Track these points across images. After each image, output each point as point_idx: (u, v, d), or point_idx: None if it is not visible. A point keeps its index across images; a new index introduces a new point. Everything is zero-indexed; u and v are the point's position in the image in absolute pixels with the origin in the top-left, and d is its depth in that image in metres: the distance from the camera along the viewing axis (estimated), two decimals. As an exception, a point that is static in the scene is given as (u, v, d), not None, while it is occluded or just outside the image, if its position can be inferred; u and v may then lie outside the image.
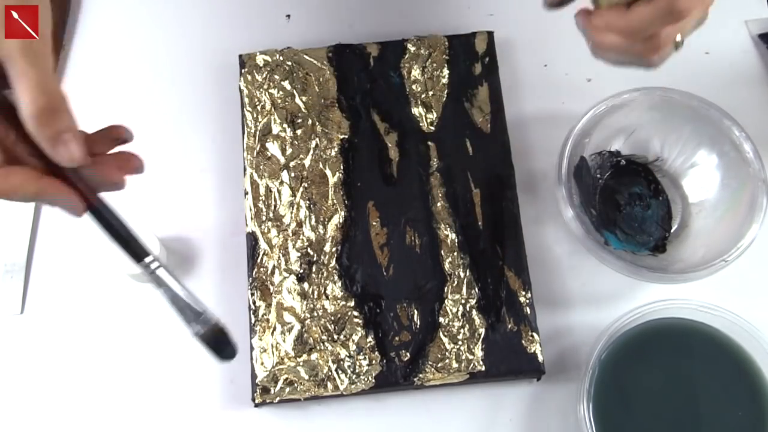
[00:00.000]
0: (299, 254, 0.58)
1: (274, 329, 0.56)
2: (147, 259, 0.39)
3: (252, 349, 0.55)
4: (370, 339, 0.56)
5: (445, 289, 0.57)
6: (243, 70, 0.64)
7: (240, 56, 0.64)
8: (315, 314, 0.56)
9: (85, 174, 0.37)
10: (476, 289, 0.57)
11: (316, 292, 0.57)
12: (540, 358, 0.55)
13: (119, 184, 0.39)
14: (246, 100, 0.63)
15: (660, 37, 0.44)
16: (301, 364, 0.55)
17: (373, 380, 0.55)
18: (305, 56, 0.64)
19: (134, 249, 0.39)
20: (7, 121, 0.35)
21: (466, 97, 0.63)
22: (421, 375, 0.55)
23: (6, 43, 0.33)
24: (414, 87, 0.64)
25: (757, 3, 0.70)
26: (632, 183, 0.62)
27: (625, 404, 0.52)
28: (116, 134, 0.39)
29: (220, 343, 0.40)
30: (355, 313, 0.56)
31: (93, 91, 0.65)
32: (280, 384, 0.54)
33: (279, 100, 0.63)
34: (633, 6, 0.44)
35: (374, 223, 0.59)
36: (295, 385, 0.54)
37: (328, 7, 0.69)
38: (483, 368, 0.55)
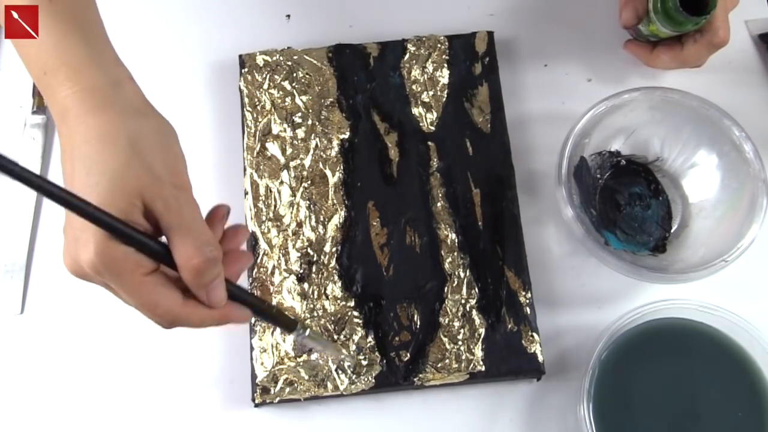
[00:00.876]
0: (299, 254, 0.58)
1: (274, 329, 0.56)
2: (298, 328, 0.46)
3: (252, 349, 0.55)
4: (370, 339, 0.56)
5: (445, 289, 0.57)
6: (243, 70, 0.64)
7: (240, 56, 0.64)
8: (315, 314, 0.56)
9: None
10: (476, 289, 0.57)
11: (316, 292, 0.57)
12: (540, 358, 0.55)
13: (249, 264, 0.43)
14: (246, 100, 0.63)
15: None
16: (301, 364, 0.55)
17: (373, 380, 0.55)
18: (305, 56, 0.64)
19: (284, 323, 0.45)
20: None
21: (466, 97, 0.63)
22: (421, 375, 0.55)
23: (152, 202, 0.37)
24: (414, 87, 0.64)
25: (757, 3, 0.70)
26: (632, 183, 0.62)
27: (625, 404, 0.52)
28: (221, 215, 0.42)
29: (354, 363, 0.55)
30: (355, 313, 0.56)
31: (93, 91, 0.65)
32: (280, 384, 0.54)
33: (279, 100, 0.63)
34: (684, 46, 0.60)
35: (374, 223, 0.59)
36: (295, 385, 0.54)
37: (328, 7, 0.69)
38: (483, 368, 0.55)
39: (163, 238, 0.38)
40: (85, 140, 0.37)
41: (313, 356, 0.55)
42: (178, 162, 0.39)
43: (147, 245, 0.36)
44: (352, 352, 0.55)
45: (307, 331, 0.46)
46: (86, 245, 0.35)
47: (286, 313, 0.44)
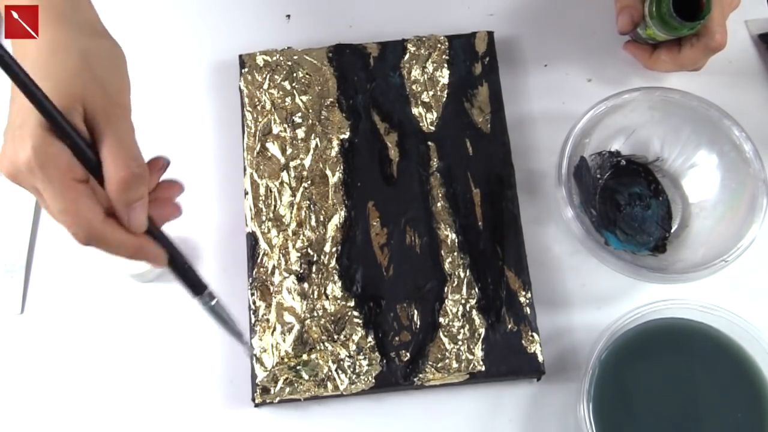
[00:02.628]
0: (299, 254, 0.58)
1: (274, 329, 0.56)
2: (205, 294, 0.44)
3: (252, 349, 0.55)
4: (370, 339, 0.56)
5: (445, 289, 0.57)
6: (243, 70, 0.64)
7: (240, 56, 0.64)
8: (315, 314, 0.56)
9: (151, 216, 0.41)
10: (476, 289, 0.57)
11: (316, 292, 0.57)
12: (540, 358, 0.55)
13: (176, 216, 0.43)
14: (246, 100, 0.63)
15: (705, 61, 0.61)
16: (301, 364, 0.55)
17: (373, 380, 0.55)
18: (305, 56, 0.64)
19: (193, 281, 0.44)
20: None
21: (466, 97, 0.63)
22: (421, 375, 0.55)
23: (93, 111, 0.37)
24: (414, 87, 0.64)
25: (757, 3, 0.70)
26: (632, 183, 0.62)
27: (625, 404, 0.52)
28: (160, 164, 0.42)
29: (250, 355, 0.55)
30: (355, 314, 0.56)
31: (93, 91, 0.65)
32: (280, 384, 0.54)
33: (279, 100, 0.63)
34: (681, 50, 0.60)
35: (374, 223, 0.59)
36: (295, 385, 0.54)
37: (328, 7, 0.69)
38: (483, 368, 0.55)
39: None
40: (36, 49, 0.38)
41: (313, 356, 0.55)
42: (124, 84, 0.41)
43: (81, 148, 0.37)
44: (352, 352, 0.55)
45: (213, 301, 0.45)
46: (24, 140, 0.36)
47: (199, 275, 0.43)
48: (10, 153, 0.37)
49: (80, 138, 0.37)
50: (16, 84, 0.35)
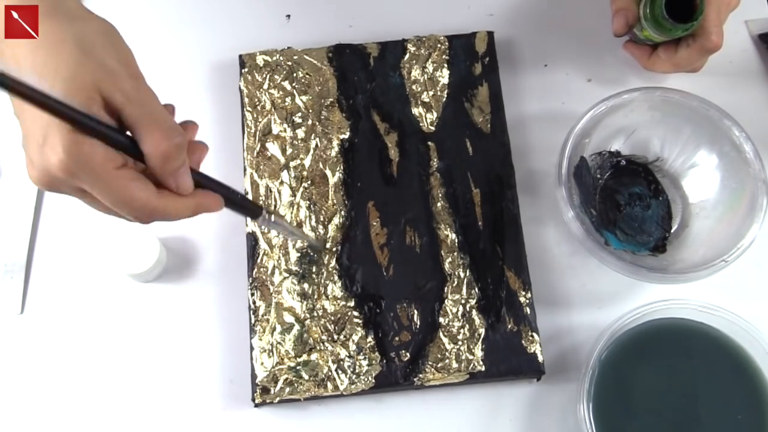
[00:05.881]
0: (299, 254, 0.58)
1: (274, 329, 0.56)
2: (264, 213, 0.47)
3: (252, 349, 0.55)
4: (370, 339, 0.56)
5: (445, 289, 0.57)
6: (243, 70, 0.64)
7: (240, 56, 0.64)
8: (315, 314, 0.56)
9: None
10: (476, 289, 0.57)
11: (316, 292, 0.57)
12: (540, 358, 0.55)
13: (206, 153, 0.44)
14: (246, 100, 0.63)
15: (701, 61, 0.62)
16: (301, 364, 0.55)
17: (373, 380, 0.55)
18: (305, 56, 0.64)
19: (250, 208, 0.47)
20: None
21: (466, 97, 0.63)
22: (421, 375, 0.55)
23: (110, 95, 0.37)
24: (414, 87, 0.64)
25: (757, 3, 0.70)
26: (632, 183, 0.62)
27: (625, 404, 0.52)
28: (170, 110, 0.42)
29: (321, 247, 0.58)
30: (355, 313, 0.56)
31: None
32: (280, 384, 0.54)
33: (279, 100, 0.63)
34: (678, 50, 0.60)
35: (374, 223, 0.59)
36: (295, 385, 0.54)
37: (328, 7, 0.69)
38: (483, 368, 0.55)
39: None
40: (31, 50, 0.37)
41: (313, 356, 0.55)
42: (128, 55, 0.40)
43: (113, 137, 0.36)
44: (352, 352, 0.55)
45: (272, 217, 0.48)
46: (53, 147, 0.35)
47: (251, 199, 0.47)
48: (40, 163, 0.36)
49: (109, 128, 0.36)
50: (28, 102, 0.34)
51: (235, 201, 0.45)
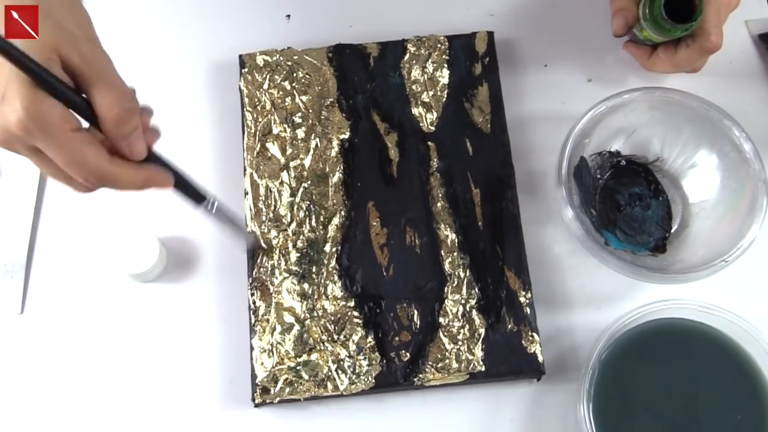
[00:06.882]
0: (299, 254, 0.58)
1: (274, 329, 0.56)
2: (207, 201, 0.48)
3: (252, 349, 0.55)
4: (370, 339, 0.56)
5: (445, 289, 0.57)
6: (243, 70, 0.64)
7: (240, 56, 0.64)
8: (315, 314, 0.56)
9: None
10: (476, 290, 0.57)
11: (316, 292, 0.57)
12: (540, 358, 0.55)
13: (158, 137, 0.45)
14: (246, 100, 0.63)
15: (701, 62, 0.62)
16: (301, 364, 0.55)
17: (373, 380, 0.55)
18: (305, 56, 0.64)
19: (194, 193, 0.47)
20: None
21: (466, 97, 0.63)
22: (421, 375, 0.55)
23: (68, 57, 0.38)
24: (414, 87, 0.64)
25: (757, 3, 0.70)
26: (632, 183, 0.62)
27: (625, 405, 0.52)
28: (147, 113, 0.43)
29: (255, 245, 0.58)
30: (355, 313, 0.56)
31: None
32: (280, 384, 0.54)
33: (279, 100, 0.63)
34: (677, 51, 0.60)
35: (374, 223, 0.59)
36: (295, 385, 0.54)
37: (328, 7, 0.69)
38: (483, 368, 0.55)
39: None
40: None
41: (313, 356, 0.55)
42: (86, 19, 0.41)
43: (70, 97, 0.37)
44: (352, 352, 0.55)
45: (214, 207, 0.49)
46: (12, 104, 0.36)
47: (199, 186, 0.47)
48: (0, 120, 0.37)
49: (67, 88, 0.37)
50: None
51: (183, 183, 0.46)
